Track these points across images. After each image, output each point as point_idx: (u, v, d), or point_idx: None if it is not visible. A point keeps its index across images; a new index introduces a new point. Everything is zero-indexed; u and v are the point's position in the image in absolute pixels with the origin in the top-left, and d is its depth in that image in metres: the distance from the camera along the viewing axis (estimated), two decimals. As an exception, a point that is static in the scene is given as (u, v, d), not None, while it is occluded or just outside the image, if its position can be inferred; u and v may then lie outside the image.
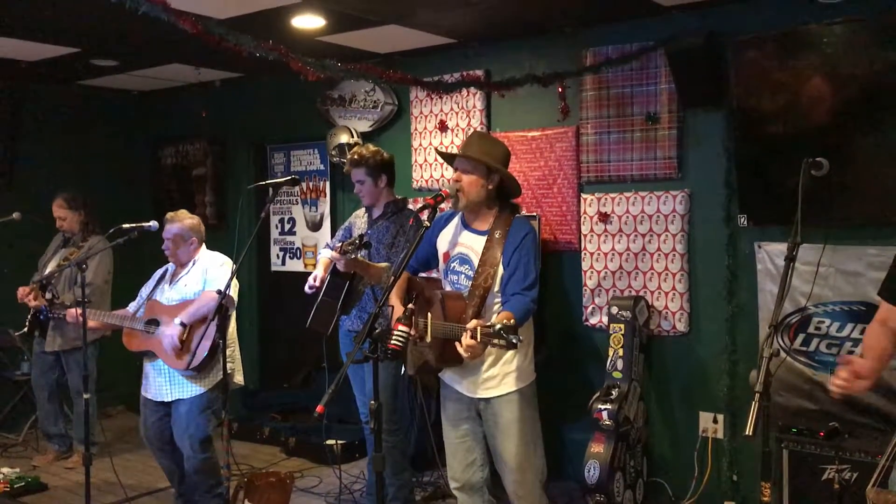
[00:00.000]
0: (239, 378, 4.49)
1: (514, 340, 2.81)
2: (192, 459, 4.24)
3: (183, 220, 4.37)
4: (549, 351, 4.77)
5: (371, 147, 4.34)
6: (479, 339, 2.91)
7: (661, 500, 4.65)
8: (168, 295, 4.35)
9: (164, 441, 4.36)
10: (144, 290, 4.52)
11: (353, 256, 3.75)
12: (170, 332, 4.18)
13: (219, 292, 3.74)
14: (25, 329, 5.40)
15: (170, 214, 4.42)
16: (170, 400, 4.28)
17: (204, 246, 4.48)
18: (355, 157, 4.26)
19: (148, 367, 4.37)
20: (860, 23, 3.86)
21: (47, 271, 5.39)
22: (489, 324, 2.91)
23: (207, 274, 4.31)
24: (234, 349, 4.41)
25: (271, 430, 5.98)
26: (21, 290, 5.26)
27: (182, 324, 4.16)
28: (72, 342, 5.42)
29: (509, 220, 3.34)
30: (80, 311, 4.27)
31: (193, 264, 4.39)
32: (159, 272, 4.55)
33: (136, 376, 6.79)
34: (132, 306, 4.53)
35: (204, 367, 4.16)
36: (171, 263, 4.48)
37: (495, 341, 2.85)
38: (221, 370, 3.72)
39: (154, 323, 4.30)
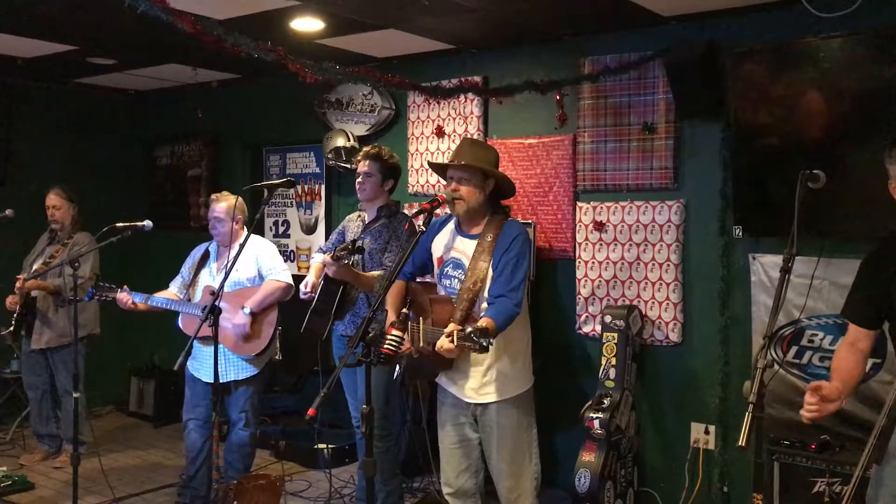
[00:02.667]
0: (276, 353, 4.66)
1: (485, 344, 2.85)
2: (241, 433, 4.50)
3: (228, 199, 4.51)
4: (541, 359, 4.76)
5: (389, 149, 4.36)
6: (455, 343, 2.94)
7: (652, 510, 4.65)
8: (218, 279, 4.38)
9: (207, 419, 4.47)
10: (185, 270, 4.61)
11: (346, 262, 3.75)
12: (239, 321, 4.33)
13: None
14: (11, 328, 5.39)
15: (214, 195, 4.57)
16: (225, 381, 4.41)
17: (245, 228, 4.58)
18: (374, 149, 4.28)
19: (202, 350, 4.43)
20: (858, 37, 3.87)
21: (34, 267, 5.36)
22: (462, 328, 2.94)
23: (261, 262, 4.47)
24: None
25: (262, 432, 5.94)
26: (9, 300, 5.33)
27: (251, 312, 4.33)
28: (58, 339, 5.39)
29: (501, 223, 3.35)
30: (129, 296, 4.42)
31: (241, 246, 4.38)
32: (199, 252, 4.63)
33: (125, 376, 6.87)
34: (174, 286, 4.60)
35: (265, 351, 4.39)
36: (211, 244, 4.60)
37: (467, 345, 2.88)
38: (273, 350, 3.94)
39: (214, 311, 4.32)
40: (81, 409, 5.27)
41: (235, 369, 4.42)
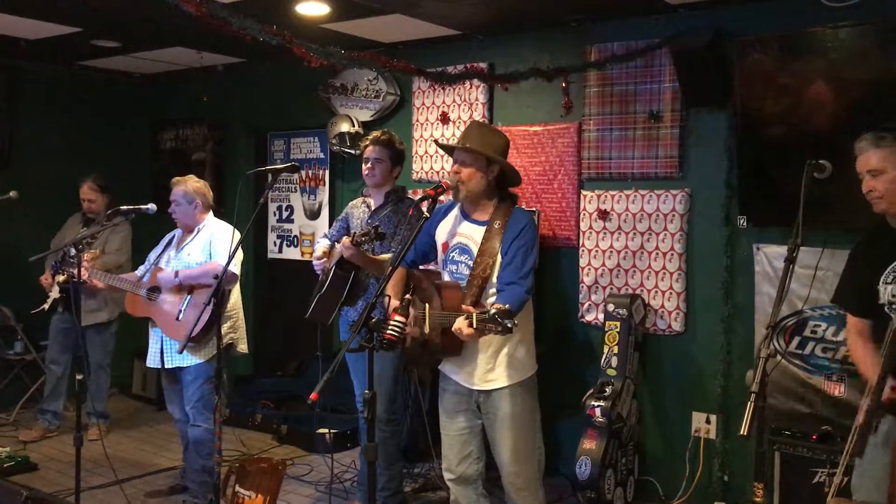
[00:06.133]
0: (243, 346, 4.53)
1: (509, 325, 2.84)
2: (196, 428, 4.31)
3: (187, 183, 4.41)
4: (544, 346, 4.76)
5: (397, 136, 4.34)
6: (475, 326, 2.92)
7: (652, 498, 4.65)
8: (172, 263, 4.39)
9: (182, 409, 4.42)
10: (152, 255, 4.55)
11: (366, 248, 3.74)
12: (165, 276, 4.28)
13: (215, 277, 3.71)
14: (46, 306, 5.46)
15: (176, 178, 4.46)
16: (170, 367, 4.34)
17: (211, 213, 4.50)
18: (384, 136, 4.24)
19: (150, 334, 4.42)
20: (866, 27, 3.85)
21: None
22: (484, 310, 2.92)
23: (212, 246, 4.34)
24: (237, 319, 4.47)
25: (263, 416, 5.98)
26: (44, 279, 5.46)
27: (180, 282, 4.24)
28: (93, 316, 5.53)
29: (509, 210, 3.34)
30: (88, 270, 4.47)
31: (198, 231, 4.41)
32: (168, 237, 4.58)
33: (129, 359, 6.88)
34: (140, 270, 4.56)
35: (200, 340, 4.17)
36: (178, 229, 4.53)
37: (490, 326, 2.86)
38: (218, 342, 3.66)
39: (157, 290, 4.33)
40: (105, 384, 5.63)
41: (180, 356, 4.25)
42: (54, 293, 5.45)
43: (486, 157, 3.31)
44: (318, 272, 4.19)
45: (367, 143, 4.27)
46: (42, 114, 6.70)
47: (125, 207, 4.25)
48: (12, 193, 5.55)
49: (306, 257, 6.15)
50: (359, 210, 4.38)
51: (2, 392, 6.28)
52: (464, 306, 3.11)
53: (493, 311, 2.86)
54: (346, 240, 3.82)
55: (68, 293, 5.38)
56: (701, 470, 4.50)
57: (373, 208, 4.29)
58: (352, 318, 4.31)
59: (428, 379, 5.02)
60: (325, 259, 4.15)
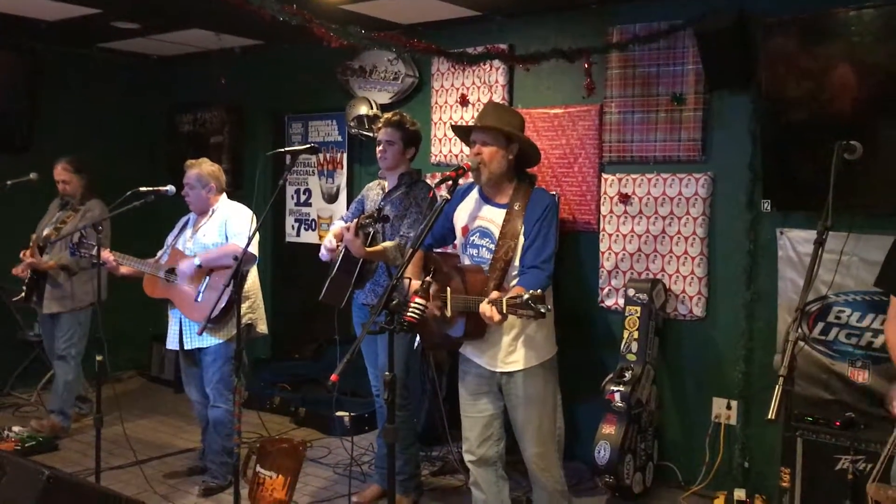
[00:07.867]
0: (262, 327, 4.57)
1: (542, 310, 2.82)
2: (216, 409, 4.38)
3: (201, 166, 4.46)
4: (563, 331, 4.72)
5: (410, 116, 4.29)
6: (504, 311, 2.90)
7: (671, 484, 4.63)
8: (189, 244, 4.42)
9: (200, 391, 4.47)
10: (170, 238, 4.59)
11: (369, 231, 3.72)
12: (185, 268, 4.29)
13: (235, 258, 3.70)
14: (23, 295, 5.34)
15: (189, 161, 4.49)
16: (189, 349, 4.38)
17: (224, 195, 4.54)
18: (395, 117, 4.18)
19: (170, 315, 4.45)
20: (892, 7, 3.77)
21: (45, 232, 5.34)
22: (515, 295, 2.90)
23: (228, 227, 4.37)
24: (255, 299, 4.50)
25: (281, 399, 5.99)
26: (16, 269, 5.28)
27: (199, 265, 4.26)
28: (65, 305, 5.31)
29: (528, 191, 3.31)
30: (113, 254, 4.46)
31: (213, 213, 4.46)
32: (183, 220, 4.63)
33: (147, 341, 6.92)
34: (160, 255, 4.58)
35: (220, 321, 4.21)
36: (192, 213, 4.56)
37: (521, 312, 2.84)
38: (238, 322, 3.62)
39: (174, 272, 4.35)
40: (77, 375, 5.38)
41: (199, 337, 4.29)
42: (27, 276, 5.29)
43: (505, 135, 3.27)
44: (325, 260, 4.16)
45: (380, 125, 4.23)
46: (61, 96, 6.70)
47: (145, 189, 4.25)
48: (32, 175, 5.56)
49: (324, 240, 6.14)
50: (374, 192, 4.35)
51: (23, 373, 6.34)
52: (492, 291, 3.08)
53: (526, 296, 2.84)
54: (350, 225, 3.80)
55: (36, 280, 5.29)
56: (721, 456, 4.47)
57: (387, 191, 4.26)
58: (361, 301, 4.30)
59: (446, 363, 5.01)
60: (332, 251, 4.12)
